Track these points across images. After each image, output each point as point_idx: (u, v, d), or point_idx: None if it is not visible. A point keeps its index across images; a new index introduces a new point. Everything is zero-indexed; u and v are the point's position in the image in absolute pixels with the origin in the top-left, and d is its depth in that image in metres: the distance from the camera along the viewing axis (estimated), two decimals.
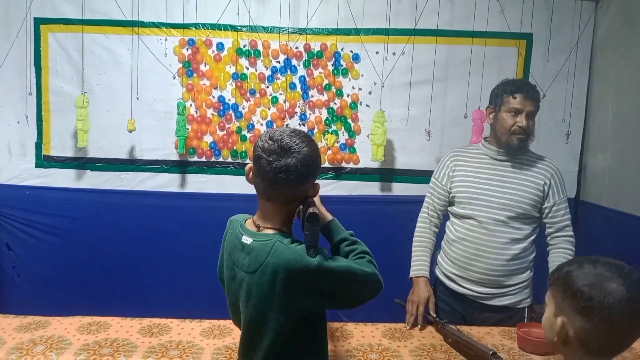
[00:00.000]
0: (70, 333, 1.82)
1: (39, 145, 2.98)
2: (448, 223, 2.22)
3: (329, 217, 1.46)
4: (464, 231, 2.10)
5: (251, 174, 1.36)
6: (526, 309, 2.09)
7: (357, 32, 2.90)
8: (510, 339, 1.85)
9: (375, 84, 2.94)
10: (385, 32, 2.89)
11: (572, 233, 2.09)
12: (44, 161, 2.99)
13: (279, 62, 2.95)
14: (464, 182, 2.12)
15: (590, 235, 2.90)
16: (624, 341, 1.02)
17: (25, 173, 3.00)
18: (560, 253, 2.04)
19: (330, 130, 2.98)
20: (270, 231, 1.33)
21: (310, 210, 1.29)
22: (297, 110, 2.97)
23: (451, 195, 2.16)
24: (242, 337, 1.39)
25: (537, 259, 2.16)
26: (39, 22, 2.90)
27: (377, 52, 2.92)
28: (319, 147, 2.87)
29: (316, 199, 1.45)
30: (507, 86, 2.06)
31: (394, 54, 2.91)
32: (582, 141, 3.00)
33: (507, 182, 2.05)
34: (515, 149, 2.04)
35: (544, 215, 2.07)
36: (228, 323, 1.94)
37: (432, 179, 2.25)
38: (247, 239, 1.34)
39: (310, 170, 1.29)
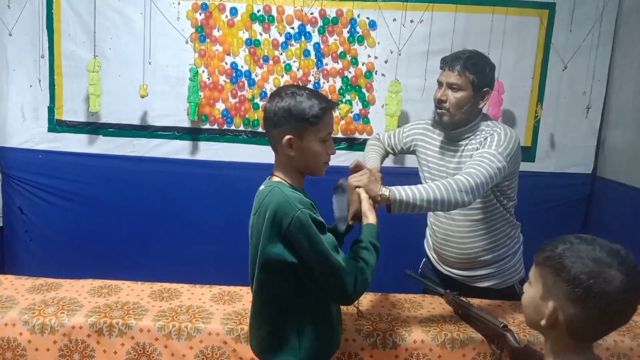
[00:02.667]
0: (81, 295, 1.84)
1: (51, 110, 2.97)
2: None
3: (372, 219, 1.48)
4: (434, 217, 2.07)
5: None
6: (515, 285, 2.02)
7: None
8: (521, 313, 1.83)
9: (391, 52, 2.87)
10: None
11: (469, 175, 1.67)
12: (56, 125, 2.98)
13: (293, 28, 2.88)
14: (426, 162, 2.04)
15: (606, 211, 2.87)
16: (612, 328, 0.98)
17: (37, 137, 3.00)
18: (446, 180, 1.71)
19: (344, 100, 2.93)
20: (277, 179, 1.42)
21: (339, 182, 1.37)
22: (311, 78, 2.92)
23: (421, 174, 2.10)
24: (250, 282, 1.45)
25: (526, 237, 2.09)
26: None
27: (394, 20, 2.84)
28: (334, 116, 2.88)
29: (364, 199, 1.49)
30: (442, 59, 1.92)
31: (411, 21, 2.83)
32: (602, 116, 2.93)
33: (451, 158, 1.94)
34: (440, 123, 1.94)
35: None
36: (238, 289, 1.94)
37: (397, 130, 2.18)
38: (261, 186, 1.43)
39: (274, 116, 1.35)
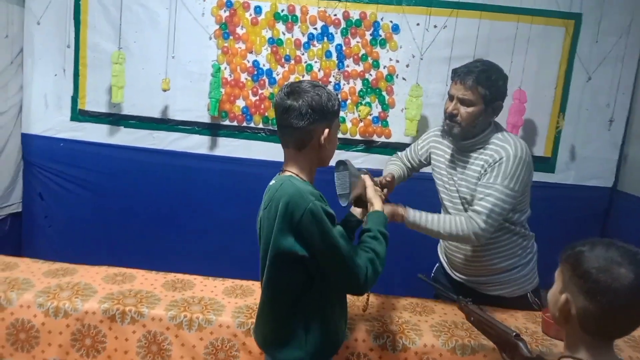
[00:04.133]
0: (96, 281, 1.86)
1: (74, 99, 3.01)
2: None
3: (377, 206, 1.50)
4: None
5: None
6: (528, 295, 2.01)
7: (398, 1, 2.83)
8: (535, 323, 1.82)
9: (413, 56, 2.87)
10: (428, 3, 2.81)
11: (478, 217, 1.76)
12: (78, 115, 3.02)
13: (316, 28, 2.89)
14: (437, 168, 2.04)
15: (625, 226, 2.82)
16: (624, 327, 1.02)
17: (59, 126, 3.04)
18: (454, 215, 1.88)
19: (363, 102, 2.93)
20: (288, 173, 1.41)
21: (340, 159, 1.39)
22: (332, 79, 2.92)
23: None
24: (260, 276, 1.45)
25: (541, 248, 2.06)
26: None
27: (417, 24, 2.84)
28: (351, 117, 2.88)
29: (369, 186, 1.52)
30: (454, 71, 1.90)
31: (435, 26, 2.83)
32: (625, 129, 2.89)
33: (460, 173, 1.92)
34: (450, 134, 1.92)
35: None
36: (251, 284, 1.95)
37: (412, 146, 2.19)
38: (272, 181, 1.43)
39: (313, 112, 1.34)
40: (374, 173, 2.51)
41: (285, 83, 1.42)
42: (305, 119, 1.34)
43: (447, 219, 1.80)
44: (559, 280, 1.07)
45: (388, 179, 1.84)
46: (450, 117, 1.86)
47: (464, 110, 1.82)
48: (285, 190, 1.32)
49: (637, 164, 2.81)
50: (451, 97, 1.87)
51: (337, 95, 1.42)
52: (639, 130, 2.82)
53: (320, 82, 1.53)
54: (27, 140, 3.05)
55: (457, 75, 1.85)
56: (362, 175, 1.55)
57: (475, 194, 1.82)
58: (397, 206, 1.78)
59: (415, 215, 1.78)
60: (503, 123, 2.58)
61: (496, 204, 1.75)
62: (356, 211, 1.61)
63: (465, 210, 1.88)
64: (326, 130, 1.38)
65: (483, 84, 1.79)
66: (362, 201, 1.54)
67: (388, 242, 1.42)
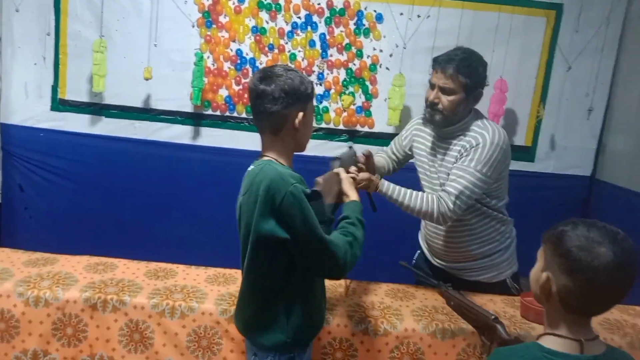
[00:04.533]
0: (77, 271, 1.85)
1: (54, 88, 2.97)
2: None
3: (353, 197, 1.53)
4: None
5: None
6: (507, 280, 2.04)
7: None
8: (513, 307, 1.85)
9: (397, 46, 2.88)
10: None
11: (448, 197, 1.78)
12: (59, 104, 2.98)
13: (299, 17, 2.89)
14: (419, 157, 2.07)
15: (604, 214, 2.87)
16: (603, 305, 1.05)
17: (40, 115, 3.00)
18: (418, 192, 1.86)
19: (347, 92, 2.94)
20: (267, 158, 1.42)
21: (315, 188, 1.41)
22: (315, 69, 2.92)
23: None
24: (241, 263, 1.46)
25: (522, 236, 2.09)
26: None
27: (401, 14, 2.84)
28: (335, 107, 2.89)
29: (344, 179, 1.55)
30: (434, 59, 1.91)
31: (418, 16, 2.84)
32: (604, 119, 2.94)
33: (441, 161, 1.95)
34: (431, 122, 1.94)
35: None
36: (233, 272, 1.96)
37: (396, 139, 2.22)
38: (251, 167, 1.43)
39: (286, 96, 1.35)
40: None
41: (259, 69, 1.42)
42: (278, 103, 1.35)
43: (419, 195, 1.83)
44: (541, 259, 1.09)
45: (365, 153, 1.85)
46: (431, 105, 1.88)
47: (445, 98, 1.83)
48: (266, 174, 1.32)
49: (615, 153, 2.86)
50: (432, 86, 1.88)
51: (309, 78, 1.45)
52: (618, 120, 2.87)
53: (289, 65, 1.53)
54: (7, 131, 3.00)
55: (438, 63, 1.86)
56: (335, 170, 1.58)
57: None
58: (372, 176, 1.79)
59: (388, 187, 1.82)
60: (484, 112, 2.61)
61: (467, 186, 1.77)
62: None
63: None
64: (300, 114, 1.39)
65: (464, 72, 1.81)
66: (340, 196, 1.58)
67: (365, 228, 1.44)
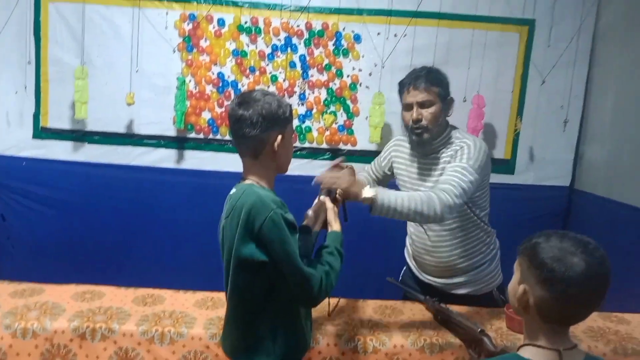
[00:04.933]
0: (64, 300, 1.84)
1: (36, 116, 2.97)
2: None
3: (335, 227, 1.53)
4: (414, 227, 2.12)
5: None
6: (493, 292, 2.08)
7: (359, 12, 2.89)
8: (499, 319, 1.88)
9: (375, 65, 2.93)
10: (388, 13, 2.88)
11: (447, 192, 1.72)
12: (41, 132, 2.98)
13: (279, 40, 2.93)
14: (401, 177, 2.10)
15: (584, 223, 2.94)
16: (580, 313, 1.07)
17: (22, 144, 2.99)
18: (423, 191, 1.79)
19: (328, 111, 2.98)
20: (249, 182, 1.44)
21: (304, 222, 1.40)
22: (297, 89, 2.96)
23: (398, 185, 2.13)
24: (225, 286, 1.47)
25: (505, 248, 2.09)
26: None
27: (378, 33, 2.91)
28: (317, 126, 2.92)
29: (329, 209, 1.54)
30: (401, 83, 1.98)
31: (395, 35, 2.90)
32: (580, 130, 3.01)
33: (427, 177, 1.98)
34: (417, 144, 1.97)
35: None
36: (222, 295, 1.94)
37: (375, 159, 2.24)
38: (233, 190, 1.45)
39: (264, 120, 1.38)
40: None
41: (237, 94, 1.46)
42: (257, 128, 1.38)
43: (417, 196, 1.69)
44: (517, 271, 1.12)
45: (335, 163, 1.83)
46: (415, 123, 1.91)
47: (426, 112, 1.89)
48: (247, 198, 1.34)
49: (592, 163, 2.93)
50: (409, 106, 1.93)
51: (288, 102, 1.47)
52: (593, 130, 2.94)
53: (280, 93, 1.56)
54: None
55: (408, 83, 1.93)
56: (321, 198, 1.58)
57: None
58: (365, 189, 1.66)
59: (384, 199, 1.63)
60: (463, 127, 2.67)
61: (462, 179, 1.76)
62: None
63: None
64: (279, 137, 1.42)
65: (434, 82, 1.89)
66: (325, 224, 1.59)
67: (343, 260, 1.46)
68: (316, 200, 1.67)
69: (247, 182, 1.44)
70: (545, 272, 1.02)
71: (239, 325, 1.44)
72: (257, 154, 1.42)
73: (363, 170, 2.26)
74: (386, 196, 1.65)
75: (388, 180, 2.24)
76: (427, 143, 1.94)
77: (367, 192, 1.63)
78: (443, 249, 2.02)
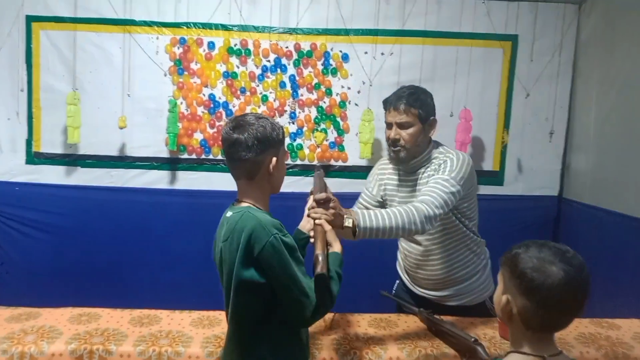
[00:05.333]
0: (60, 323, 1.85)
1: (29, 142, 2.99)
2: None
3: (336, 248, 1.51)
4: (406, 242, 2.15)
5: None
6: (486, 302, 2.10)
7: (346, 32, 2.96)
8: (492, 328, 1.90)
9: (364, 83, 2.99)
10: (374, 32, 2.96)
11: (427, 204, 1.75)
12: (34, 158, 3.00)
13: (269, 61, 2.99)
14: (390, 196, 2.13)
15: (573, 231, 2.98)
16: (562, 320, 1.10)
17: (15, 169, 3.01)
18: (405, 206, 1.77)
19: (319, 129, 3.03)
20: (245, 204, 1.46)
21: (318, 270, 1.33)
22: (287, 108, 3.01)
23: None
24: (225, 305, 1.47)
25: (496, 259, 2.15)
26: (30, 19, 2.92)
27: (365, 52, 2.97)
28: (309, 144, 2.96)
29: (328, 231, 1.51)
30: (384, 101, 2.03)
31: (382, 54, 2.97)
32: (566, 140, 3.08)
33: (412, 190, 2.02)
34: (396, 161, 2.02)
35: None
36: (217, 314, 1.97)
37: (364, 191, 2.23)
38: (228, 213, 1.46)
39: (259, 143, 1.40)
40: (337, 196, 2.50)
41: (230, 118, 1.48)
42: (252, 151, 1.40)
43: (397, 212, 1.70)
44: (501, 282, 1.15)
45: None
46: (393, 143, 1.97)
47: (404, 133, 1.93)
48: (246, 222, 1.35)
49: (579, 172, 2.99)
50: (389, 125, 1.98)
51: (280, 124, 1.50)
52: (578, 140, 3.01)
53: (271, 112, 1.58)
54: None
55: (390, 103, 1.98)
56: (317, 221, 1.54)
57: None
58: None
59: (366, 222, 1.65)
60: (451, 141, 2.73)
61: (444, 191, 1.79)
62: (305, 228, 1.68)
63: None
64: (274, 159, 1.45)
65: (414, 104, 1.92)
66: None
67: (342, 282, 1.45)
68: (304, 217, 1.70)
69: (244, 205, 1.46)
70: (526, 282, 1.05)
71: (239, 346, 1.45)
72: (253, 176, 1.45)
73: (355, 205, 2.23)
74: (367, 218, 1.66)
75: (385, 207, 2.24)
76: (404, 161, 1.99)
77: (347, 221, 1.62)
78: (435, 262, 2.05)
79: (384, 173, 2.16)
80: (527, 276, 1.05)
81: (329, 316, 1.90)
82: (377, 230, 1.67)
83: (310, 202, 1.61)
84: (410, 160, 1.98)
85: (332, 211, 1.58)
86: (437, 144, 2.04)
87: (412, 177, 2.02)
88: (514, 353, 1.12)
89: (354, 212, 1.68)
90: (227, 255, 1.39)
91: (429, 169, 1.97)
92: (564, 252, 1.08)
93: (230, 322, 1.47)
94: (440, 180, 1.83)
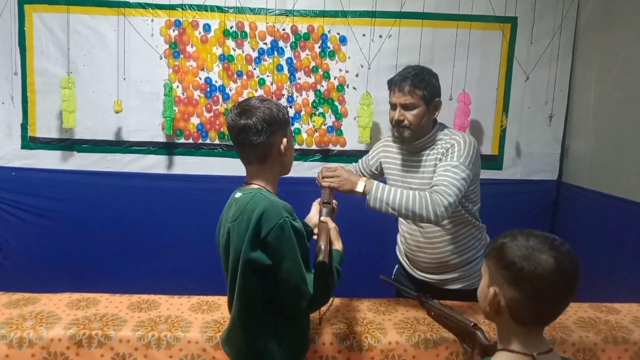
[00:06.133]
0: (59, 308, 1.84)
1: (24, 127, 2.96)
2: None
3: (337, 246, 1.50)
4: (406, 225, 2.14)
5: None
6: None
7: (344, 14, 2.92)
8: None
9: (362, 66, 2.96)
10: (372, 14, 2.92)
11: (440, 193, 1.77)
12: (29, 142, 2.97)
13: (265, 43, 2.95)
14: (392, 175, 2.12)
15: (572, 215, 2.98)
16: (553, 311, 1.06)
17: (11, 154, 2.98)
18: (418, 192, 1.82)
19: (317, 113, 3.00)
20: (256, 186, 1.46)
21: (320, 258, 1.34)
22: (284, 92, 2.98)
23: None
24: (228, 289, 1.47)
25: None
26: (23, 1, 2.87)
27: (363, 35, 2.94)
28: (307, 128, 2.94)
29: (332, 229, 1.50)
30: (389, 82, 2.01)
31: (380, 36, 2.94)
32: (565, 124, 3.06)
33: (416, 171, 2.02)
34: (400, 140, 2.00)
35: None
36: (216, 299, 1.97)
37: (363, 158, 2.26)
38: (237, 194, 1.46)
39: (268, 126, 1.40)
40: None
41: (234, 104, 1.47)
42: (262, 134, 1.40)
43: (411, 195, 1.77)
44: (486, 274, 1.11)
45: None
46: (397, 123, 1.95)
47: (409, 114, 1.92)
48: (258, 202, 1.36)
49: (578, 156, 2.98)
50: (394, 106, 1.96)
51: (283, 104, 1.50)
52: (577, 124, 2.99)
53: (268, 96, 1.58)
54: None
55: (394, 84, 1.95)
56: (322, 218, 1.56)
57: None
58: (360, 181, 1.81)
59: (378, 193, 1.77)
60: (450, 125, 2.70)
61: (456, 178, 1.80)
62: (311, 221, 1.69)
63: None
64: (284, 140, 1.45)
65: (419, 85, 1.90)
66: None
67: (340, 277, 1.45)
68: (313, 209, 1.72)
69: (254, 186, 1.45)
70: (515, 272, 1.02)
71: (245, 329, 1.44)
72: (265, 159, 1.45)
73: (350, 166, 2.28)
74: (380, 190, 1.76)
75: (375, 179, 2.26)
76: (409, 141, 1.98)
77: (360, 186, 1.76)
78: (436, 245, 2.05)
79: (387, 150, 2.15)
80: (516, 265, 1.01)
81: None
82: (388, 205, 1.77)
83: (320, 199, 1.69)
84: (414, 140, 1.97)
85: (337, 176, 1.77)
86: (443, 126, 2.03)
87: (416, 158, 2.01)
88: (501, 351, 1.08)
89: (370, 180, 1.81)
90: (235, 235, 1.39)
91: (433, 151, 1.95)
92: (552, 239, 1.04)
93: (235, 305, 1.45)
94: (450, 167, 1.83)
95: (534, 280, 1.00)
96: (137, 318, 1.79)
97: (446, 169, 1.84)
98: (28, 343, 1.65)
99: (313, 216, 1.72)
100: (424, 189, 1.90)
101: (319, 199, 1.74)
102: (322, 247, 1.38)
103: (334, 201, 1.70)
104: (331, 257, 1.41)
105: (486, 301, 1.08)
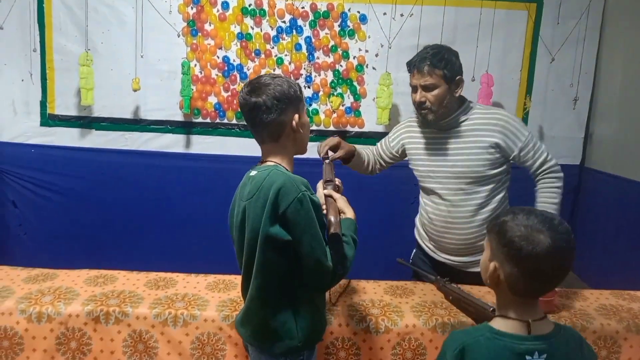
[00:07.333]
0: (77, 285, 1.85)
1: (43, 104, 2.97)
2: (420, 197, 2.19)
3: (349, 214, 1.50)
4: (432, 206, 2.09)
5: None
6: None
7: None
8: None
9: (382, 46, 2.91)
10: None
11: (551, 165, 1.97)
12: (48, 120, 2.99)
13: (284, 22, 2.91)
14: (418, 157, 2.09)
15: (594, 201, 2.92)
16: (547, 286, 1.13)
17: (30, 131, 3.00)
18: (544, 187, 2.00)
19: (335, 93, 2.96)
20: (272, 163, 1.44)
21: (331, 230, 1.35)
22: (303, 72, 2.95)
23: (412, 169, 2.14)
24: (243, 270, 1.45)
25: None
26: None
27: (384, 14, 2.88)
28: (324, 109, 2.91)
29: (338, 199, 1.50)
30: (408, 63, 1.98)
31: (401, 15, 2.87)
32: (590, 108, 2.98)
33: (452, 151, 1.98)
34: (426, 122, 1.98)
35: (518, 164, 2.03)
36: (233, 278, 1.97)
37: (383, 140, 2.23)
38: (252, 172, 1.44)
39: (279, 102, 1.38)
40: None
41: (245, 82, 1.45)
42: (273, 112, 1.37)
43: (551, 195, 1.97)
44: (488, 249, 1.16)
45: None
46: (419, 106, 1.92)
47: (430, 95, 1.88)
48: (275, 178, 1.33)
49: (602, 141, 2.91)
50: (414, 88, 1.93)
51: (295, 81, 1.49)
52: (603, 108, 2.91)
53: (286, 75, 1.55)
54: None
55: (413, 65, 1.92)
56: (326, 192, 1.54)
57: (493, 164, 1.96)
58: None
59: None
60: None
61: (541, 150, 1.97)
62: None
63: (464, 186, 1.98)
64: (296, 116, 1.42)
65: (438, 65, 1.86)
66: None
67: (357, 246, 1.44)
68: (318, 190, 1.68)
69: (270, 164, 1.43)
70: (514, 250, 1.07)
71: (263, 307, 1.42)
72: (278, 137, 1.42)
73: (367, 149, 2.24)
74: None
75: (392, 163, 2.23)
76: (435, 121, 1.95)
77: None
78: (467, 225, 2.02)
79: (410, 131, 2.12)
80: (516, 245, 1.06)
81: (344, 282, 1.89)
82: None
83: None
84: (439, 121, 1.95)
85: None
86: (468, 100, 2.00)
87: (450, 134, 1.98)
88: (498, 317, 1.15)
89: None
90: (252, 212, 1.36)
91: (474, 123, 1.95)
92: (551, 219, 1.09)
93: (253, 283, 1.42)
94: (530, 146, 1.94)
95: (532, 259, 1.05)
96: (154, 295, 1.79)
97: (528, 152, 1.94)
98: (47, 318, 1.66)
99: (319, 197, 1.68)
100: (455, 169, 1.95)
101: (322, 180, 1.68)
102: (332, 219, 1.38)
103: (336, 179, 1.67)
104: (343, 228, 1.40)
105: (487, 274, 1.15)
